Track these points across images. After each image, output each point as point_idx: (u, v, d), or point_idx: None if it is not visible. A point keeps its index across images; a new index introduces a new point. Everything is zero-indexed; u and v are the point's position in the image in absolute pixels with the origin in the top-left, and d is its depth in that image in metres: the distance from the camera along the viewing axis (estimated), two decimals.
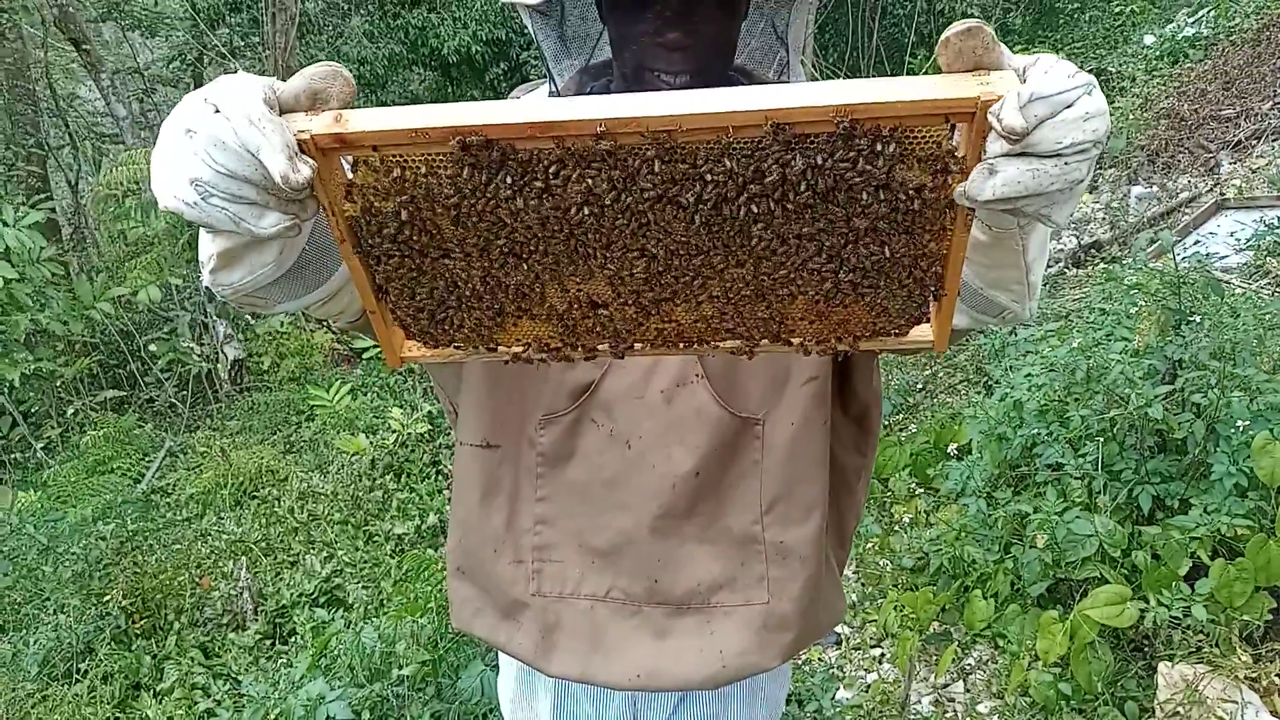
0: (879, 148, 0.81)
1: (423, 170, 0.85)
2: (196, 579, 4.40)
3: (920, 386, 5.41)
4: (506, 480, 1.41)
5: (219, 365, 7.91)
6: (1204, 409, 2.89)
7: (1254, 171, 6.57)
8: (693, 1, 1.16)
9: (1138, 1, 13.05)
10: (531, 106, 0.82)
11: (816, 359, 1.34)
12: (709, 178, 0.84)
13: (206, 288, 0.97)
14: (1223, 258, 5.41)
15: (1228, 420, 2.82)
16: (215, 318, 7.90)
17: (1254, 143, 6.94)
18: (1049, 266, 6.50)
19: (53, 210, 8.13)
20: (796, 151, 0.82)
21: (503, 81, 13.12)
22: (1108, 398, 3.10)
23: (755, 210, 0.86)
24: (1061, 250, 6.67)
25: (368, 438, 5.65)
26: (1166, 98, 8.26)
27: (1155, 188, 7.08)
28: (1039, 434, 3.40)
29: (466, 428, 1.44)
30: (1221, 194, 6.32)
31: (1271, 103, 7.15)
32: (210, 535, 4.94)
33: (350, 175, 0.87)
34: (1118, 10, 13.28)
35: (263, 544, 4.81)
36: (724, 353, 1.04)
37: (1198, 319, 3.05)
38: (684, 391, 1.33)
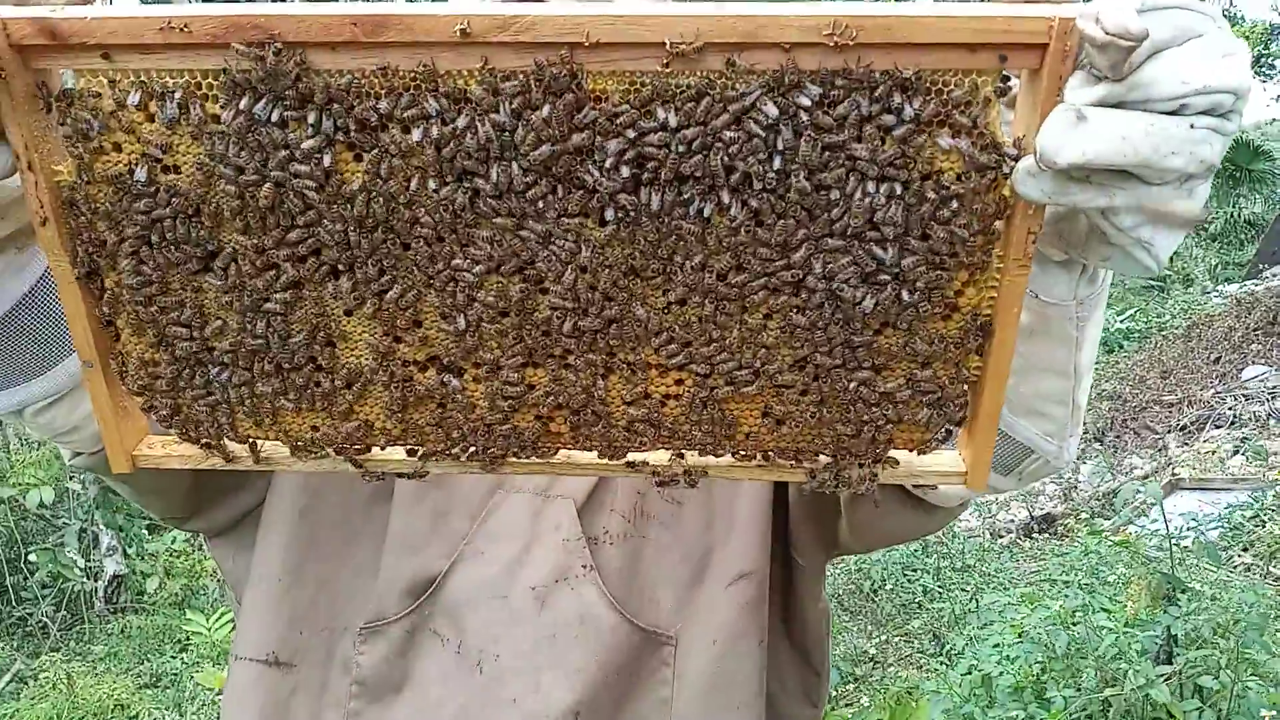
0: (894, 101, 0.49)
1: (177, 96, 0.50)
2: None
3: (870, 656, 4.92)
4: (300, 717, 0.97)
5: (100, 581, 7.10)
6: (1213, 694, 2.48)
7: (1203, 455, 6.60)
8: None
9: None
10: (355, 3, 0.54)
11: (745, 550, 0.96)
12: (629, 134, 0.50)
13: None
14: (1183, 535, 5.21)
15: (1245, 711, 2.40)
16: (102, 527, 7.18)
17: (1198, 428, 7.03)
18: (1000, 536, 6.25)
19: None
20: (768, 95, 0.49)
21: None
22: (1100, 674, 2.68)
23: (699, 201, 0.53)
24: (1012, 521, 6.47)
25: None
26: (1107, 381, 8.47)
27: (1104, 465, 7.04)
28: (1016, 716, 2.93)
29: (246, 636, 1.00)
30: (1175, 474, 6.29)
31: (1213, 391, 7.32)
32: None
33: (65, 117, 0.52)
34: None
35: None
36: (649, 471, 0.66)
37: (1197, 586, 2.71)
38: (564, 590, 0.93)
